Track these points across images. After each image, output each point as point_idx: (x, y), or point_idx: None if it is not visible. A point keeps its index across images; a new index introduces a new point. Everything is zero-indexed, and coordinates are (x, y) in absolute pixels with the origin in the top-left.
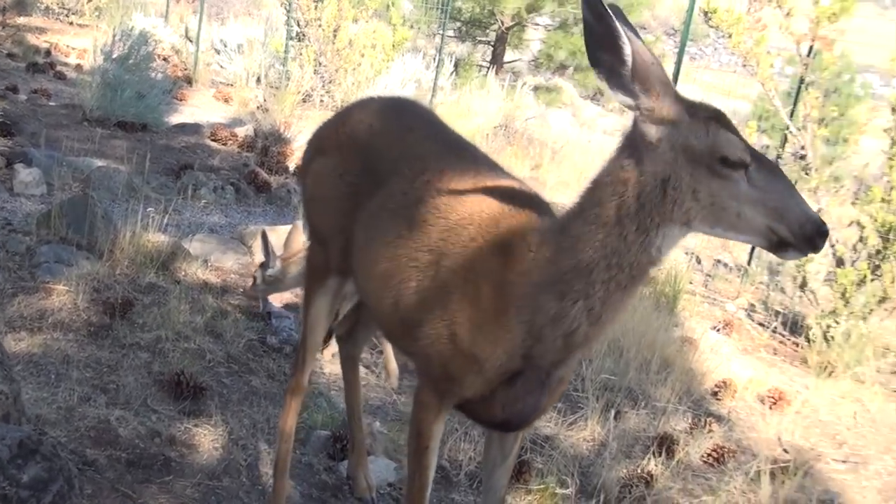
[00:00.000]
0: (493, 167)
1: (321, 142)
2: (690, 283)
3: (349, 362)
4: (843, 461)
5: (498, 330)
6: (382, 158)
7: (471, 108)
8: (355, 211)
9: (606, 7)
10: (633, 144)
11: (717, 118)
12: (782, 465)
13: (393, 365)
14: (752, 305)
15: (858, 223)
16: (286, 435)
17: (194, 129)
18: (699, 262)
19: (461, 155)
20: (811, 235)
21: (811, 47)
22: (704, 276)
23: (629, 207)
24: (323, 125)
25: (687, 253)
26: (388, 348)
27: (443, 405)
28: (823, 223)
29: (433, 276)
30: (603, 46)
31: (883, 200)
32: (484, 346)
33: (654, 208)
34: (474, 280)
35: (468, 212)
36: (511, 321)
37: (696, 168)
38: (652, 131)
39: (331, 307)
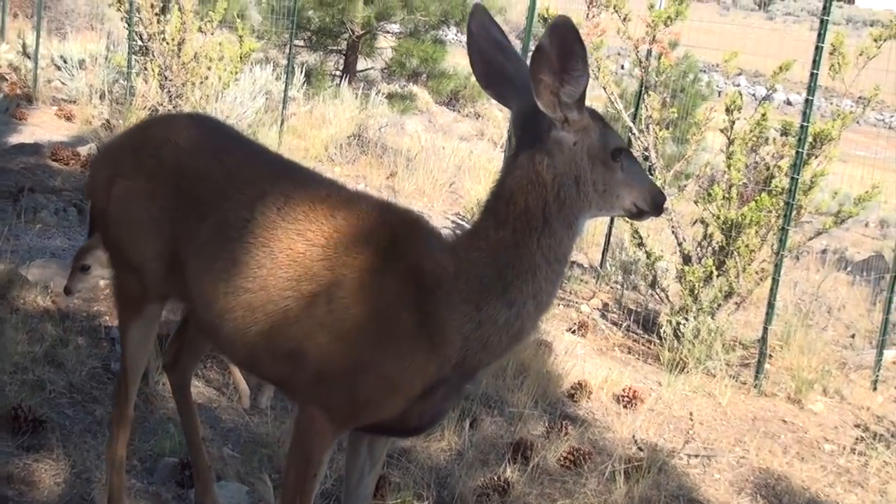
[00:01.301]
0: (334, 184)
1: (119, 164)
2: None
3: (181, 391)
4: (696, 456)
5: (429, 351)
6: (201, 182)
7: (324, 118)
8: (176, 237)
9: (581, 41)
10: (546, 151)
11: (602, 119)
12: (637, 463)
13: (243, 385)
14: (607, 305)
15: (702, 221)
16: (117, 465)
17: (34, 149)
18: None
19: (295, 175)
20: (660, 204)
21: (649, 50)
22: None
23: (551, 207)
24: (116, 146)
25: None
26: (236, 369)
27: (340, 431)
28: (664, 193)
29: (327, 306)
30: (550, 69)
31: (724, 198)
32: (411, 369)
33: (573, 203)
34: (387, 307)
35: (355, 235)
36: (446, 339)
37: (594, 164)
38: (570, 138)
39: (151, 335)
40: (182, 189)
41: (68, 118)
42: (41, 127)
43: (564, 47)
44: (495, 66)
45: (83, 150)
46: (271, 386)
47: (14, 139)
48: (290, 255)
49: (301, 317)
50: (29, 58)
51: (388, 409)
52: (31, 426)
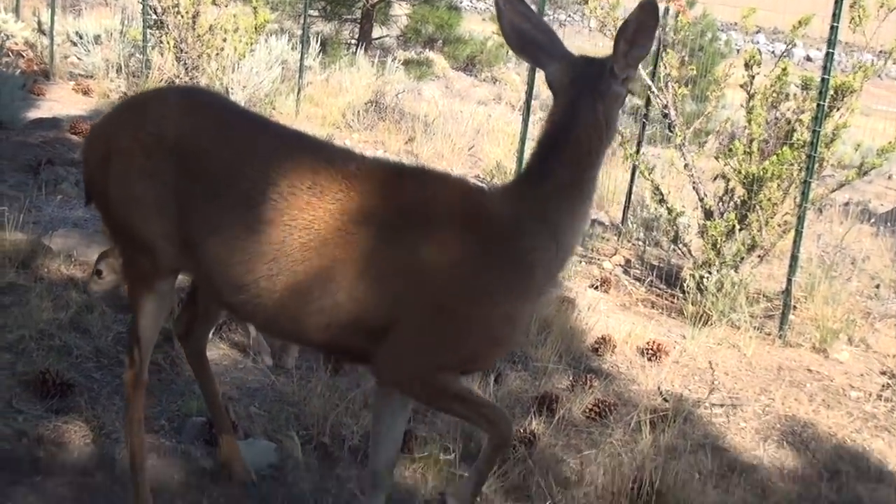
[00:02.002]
0: (350, 152)
1: (116, 141)
2: None
3: (197, 358)
4: (721, 405)
5: (526, 294)
6: (208, 158)
7: (341, 86)
8: (184, 216)
9: (657, 20)
10: (605, 101)
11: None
12: (662, 413)
13: (265, 344)
14: (629, 261)
15: (724, 176)
16: (136, 428)
17: (53, 123)
18: None
19: (312, 146)
20: None
21: (667, 9)
22: (581, 237)
23: (603, 146)
24: (112, 122)
25: None
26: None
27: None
28: None
29: (418, 277)
30: (626, 38)
31: (745, 153)
32: (514, 317)
33: (609, 142)
34: (481, 263)
35: (421, 203)
36: (535, 277)
37: (618, 108)
38: (622, 91)
39: (165, 307)
40: (186, 166)
41: (86, 93)
42: (59, 102)
43: (643, 23)
44: (526, 35)
45: None
46: (295, 345)
47: (33, 114)
48: (357, 228)
49: (392, 293)
50: (45, 34)
51: (495, 357)
52: (59, 390)
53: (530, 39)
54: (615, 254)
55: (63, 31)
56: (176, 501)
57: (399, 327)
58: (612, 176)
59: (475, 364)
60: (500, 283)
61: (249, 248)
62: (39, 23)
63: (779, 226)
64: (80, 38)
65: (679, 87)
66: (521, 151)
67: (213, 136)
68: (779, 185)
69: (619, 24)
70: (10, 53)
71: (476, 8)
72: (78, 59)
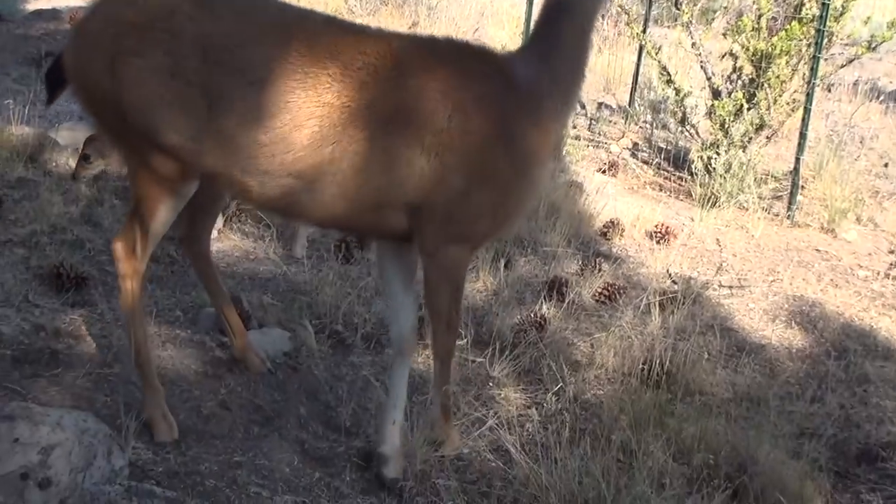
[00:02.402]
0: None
1: (121, 44)
2: (575, 127)
3: (201, 260)
4: (730, 286)
5: (547, 150)
6: (234, 45)
7: None
8: (220, 111)
9: None
10: None
11: None
12: (671, 295)
13: (302, 236)
14: (636, 144)
15: (731, 54)
16: (137, 319)
17: (53, 14)
18: (583, 106)
19: (345, 27)
20: None
21: None
22: (588, 120)
23: (597, 9)
24: (106, 24)
25: None
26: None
27: (475, 252)
28: None
29: (473, 145)
30: None
31: (753, 29)
32: (540, 174)
33: (602, 6)
34: (511, 125)
35: (452, 72)
36: (551, 131)
37: None
38: None
39: (180, 208)
40: (212, 58)
41: None
42: None
43: None
44: None
45: None
46: (304, 234)
47: (32, 5)
48: (409, 105)
49: (444, 163)
50: None
51: (522, 216)
52: (74, 283)
53: None
54: (622, 137)
55: None
56: (193, 391)
57: (448, 197)
58: (618, 57)
59: (501, 230)
60: (533, 145)
61: (309, 136)
62: None
63: (787, 104)
64: None
65: None
66: (526, 34)
67: (233, 21)
68: (787, 62)
69: None
70: None
71: None
72: None
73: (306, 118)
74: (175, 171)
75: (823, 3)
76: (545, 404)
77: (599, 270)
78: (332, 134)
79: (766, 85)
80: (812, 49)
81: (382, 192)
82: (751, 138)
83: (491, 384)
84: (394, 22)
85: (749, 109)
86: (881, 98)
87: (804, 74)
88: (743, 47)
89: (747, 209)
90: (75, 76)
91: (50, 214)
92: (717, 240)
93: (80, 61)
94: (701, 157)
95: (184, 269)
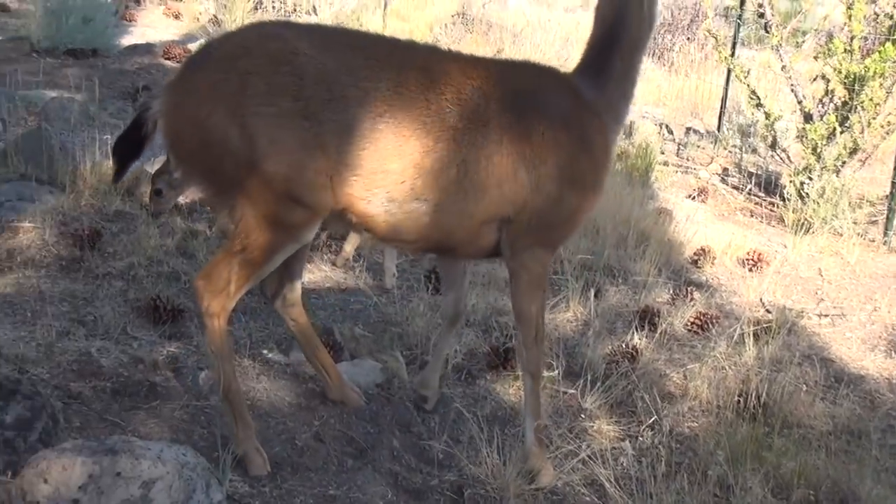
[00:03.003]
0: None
1: (251, 91)
2: (662, 153)
3: (295, 308)
4: (826, 315)
5: (609, 156)
6: (358, 80)
7: (415, 2)
8: (343, 145)
9: None
10: None
11: None
12: (765, 325)
13: (392, 267)
14: (726, 170)
15: (823, 76)
16: (225, 354)
17: (147, 49)
18: (670, 131)
19: (436, 51)
20: None
21: None
22: (676, 146)
23: (646, 38)
24: (229, 71)
25: (657, 123)
26: (390, 251)
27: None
28: None
29: (558, 159)
30: None
31: (845, 51)
32: (605, 178)
33: (651, 34)
34: (589, 142)
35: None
36: (610, 154)
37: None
38: None
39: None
40: (338, 94)
41: (176, 16)
42: (151, 27)
43: None
44: None
45: (194, 47)
46: (393, 265)
47: (126, 41)
48: (517, 123)
49: (537, 177)
50: None
51: (580, 228)
52: (171, 315)
53: None
54: (711, 162)
55: None
56: (287, 423)
57: (541, 204)
58: (705, 81)
59: (570, 235)
60: (603, 152)
61: (438, 159)
62: None
63: (882, 127)
64: None
65: None
66: None
67: (357, 58)
68: (881, 84)
69: None
70: None
71: None
72: None
73: (434, 142)
74: (304, 216)
75: None
76: (639, 437)
77: (691, 299)
78: (456, 155)
79: (859, 108)
80: None
81: (493, 206)
82: (844, 162)
83: (583, 416)
84: (479, 49)
85: (842, 133)
86: None
87: None
88: (835, 70)
89: (842, 235)
90: (186, 135)
91: (146, 247)
92: (818, 270)
93: (196, 118)
94: (793, 182)
95: None
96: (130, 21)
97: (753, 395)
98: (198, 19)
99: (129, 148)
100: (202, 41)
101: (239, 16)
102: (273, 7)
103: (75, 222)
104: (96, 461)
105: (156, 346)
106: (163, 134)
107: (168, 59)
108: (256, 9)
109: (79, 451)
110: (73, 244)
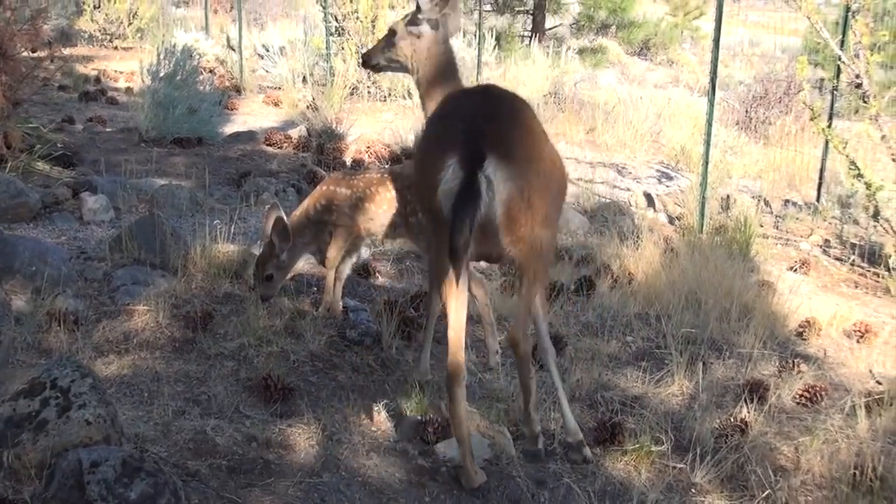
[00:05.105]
0: None
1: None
2: (761, 226)
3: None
4: None
5: None
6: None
7: (518, 79)
8: None
9: None
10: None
11: None
12: (877, 396)
13: (494, 344)
14: (827, 241)
15: None
16: (464, 429)
17: (249, 136)
18: (767, 204)
19: None
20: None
21: None
22: (774, 218)
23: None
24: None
25: (754, 196)
26: (490, 327)
27: None
28: None
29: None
30: None
31: None
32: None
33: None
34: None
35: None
36: None
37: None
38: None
39: None
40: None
41: (276, 104)
42: (252, 115)
43: None
44: None
45: (294, 133)
46: (496, 344)
47: (229, 129)
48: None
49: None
50: (233, 50)
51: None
52: (282, 394)
53: None
54: (811, 234)
55: (250, 46)
56: (399, 500)
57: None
58: (801, 153)
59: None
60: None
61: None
62: (228, 39)
63: None
64: (266, 50)
65: (871, 55)
66: (707, 133)
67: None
68: None
69: None
70: (204, 71)
71: None
72: (265, 71)
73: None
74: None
75: None
76: None
77: (798, 371)
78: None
79: None
80: None
81: None
82: None
83: (694, 490)
84: (571, 128)
85: None
86: None
87: None
88: None
89: None
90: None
91: (256, 328)
92: None
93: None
94: None
95: (382, 377)
96: (232, 110)
97: (869, 468)
98: (296, 106)
99: None
100: (302, 127)
101: (336, 101)
102: (368, 92)
103: (187, 305)
104: None
105: (268, 424)
106: None
107: (269, 145)
108: (352, 94)
109: None
110: (185, 326)
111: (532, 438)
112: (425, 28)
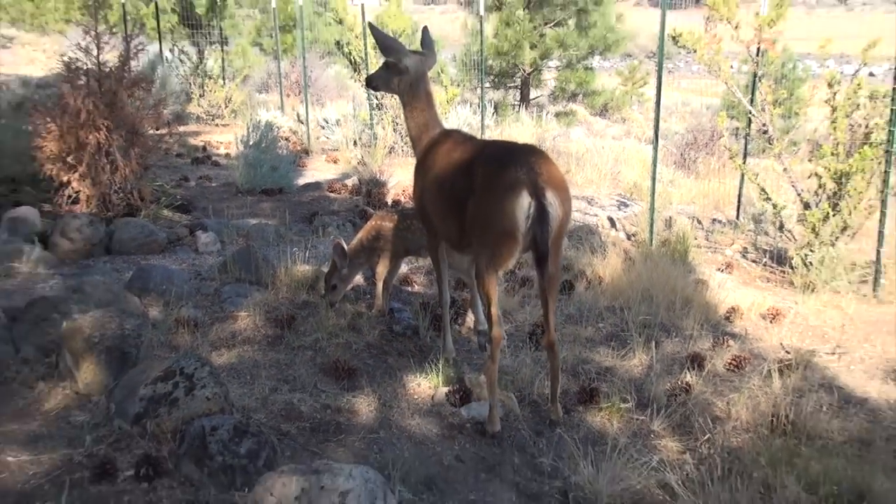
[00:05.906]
0: None
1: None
2: (695, 238)
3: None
4: (833, 353)
5: None
6: None
7: (511, 136)
8: None
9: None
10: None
11: None
12: (787, 363)
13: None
14: (745, 248)
15: (816, 174)
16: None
17: (316, 186)
18: (699, 222)
19: None
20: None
21: (758, 48)
22: (705, 232)
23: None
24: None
25: (689, 217)
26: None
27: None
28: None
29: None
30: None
31: (832, 154)
32: None
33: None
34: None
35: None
36: None
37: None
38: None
39: None
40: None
41: (334, 161)
42: (317, 170)
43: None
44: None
45: (349, 183)
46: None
47: (301, 181)
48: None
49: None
50: (302, 123)
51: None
52: (347, 374)
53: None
54: (733, 243)
55: (314, 119)
56: (436, 448)
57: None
58: (723, 183)
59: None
60: None
61: None
62: (298, 115)
63: (865, 209)
64: (326, 122)
65: (774, 108)
66: (653, 171)
67: None
68: (863, 177)
69: (724, 65)
70: (281, 139)
71: (604, 66)
72: (326, 137)
73: None
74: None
75: (890, 130)
76: (698, 450)
77: (727, 346)
78: None
79: (846, 196)
80: (882, 165)
81: None
82: (837, 237)
83: (652, 436)
84: None
85: (834, 216)
86: None
87: (877, 186)
88: (825, 168)
89: (839, 292)
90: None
91: (326, 326)
92: (824, 319)
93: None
94: (798, 255)
95: (419, 360)
96: (303, 167)
97: (783, 415)
98: (350, 162)
99: None
100: (354, 178)
101: (378, 159)
102: (402, 151)
103: (276, 310)
104: (306, 479)
105: (338, 395)
106: None
107: (331, 192)
108: (390, 152)
109: (293, 472)
110: (275, 326)
111: (556, 414)
112: (408, 62)
